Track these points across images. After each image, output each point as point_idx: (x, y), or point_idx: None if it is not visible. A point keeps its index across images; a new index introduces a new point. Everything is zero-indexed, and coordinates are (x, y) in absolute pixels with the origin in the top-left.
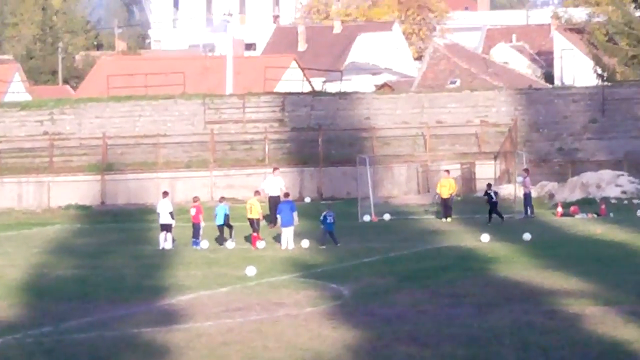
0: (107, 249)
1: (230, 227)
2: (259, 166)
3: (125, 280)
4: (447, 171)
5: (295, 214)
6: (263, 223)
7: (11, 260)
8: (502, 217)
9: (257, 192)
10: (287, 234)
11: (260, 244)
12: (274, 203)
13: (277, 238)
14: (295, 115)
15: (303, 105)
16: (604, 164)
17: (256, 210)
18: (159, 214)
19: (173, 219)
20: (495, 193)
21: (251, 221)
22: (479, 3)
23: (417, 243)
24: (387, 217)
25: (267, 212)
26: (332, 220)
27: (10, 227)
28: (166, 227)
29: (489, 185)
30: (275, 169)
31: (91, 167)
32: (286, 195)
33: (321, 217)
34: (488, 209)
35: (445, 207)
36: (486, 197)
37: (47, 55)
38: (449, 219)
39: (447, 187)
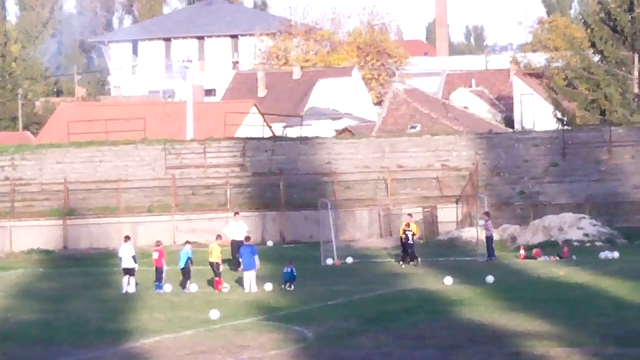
0: (71, 294)
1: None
2: (221, 211)
3: (89, 324)
4: (410, 215)
5: (256, 258)
6: (225, 267)
7: None
8: (416, 259)
9: (219, 237)
10: (249, 277)
11: (225, 288)
12: (236, 247)
13: (240, 281)
14: (256, 160)
15: (264, 150)
16: (566, 207)
17: (216, 254)
18: (121, 258)
19: (136, 263)
20: (413, 234)
21: (212, 265)
22: (437, 49)
23: (381, 286)
24: (350, 260)
25: (229, 256)
26: (289, 277)
27: None
28: (129, 272)
29: (408, 225)
30: (236, 213)
31: (53, 212)
32: (247, 239)
33: (283, 271)
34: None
35: (409, 251)
36: (404, 237)
37: (7, 102)
38: (412, 263)
39: (410, 232)
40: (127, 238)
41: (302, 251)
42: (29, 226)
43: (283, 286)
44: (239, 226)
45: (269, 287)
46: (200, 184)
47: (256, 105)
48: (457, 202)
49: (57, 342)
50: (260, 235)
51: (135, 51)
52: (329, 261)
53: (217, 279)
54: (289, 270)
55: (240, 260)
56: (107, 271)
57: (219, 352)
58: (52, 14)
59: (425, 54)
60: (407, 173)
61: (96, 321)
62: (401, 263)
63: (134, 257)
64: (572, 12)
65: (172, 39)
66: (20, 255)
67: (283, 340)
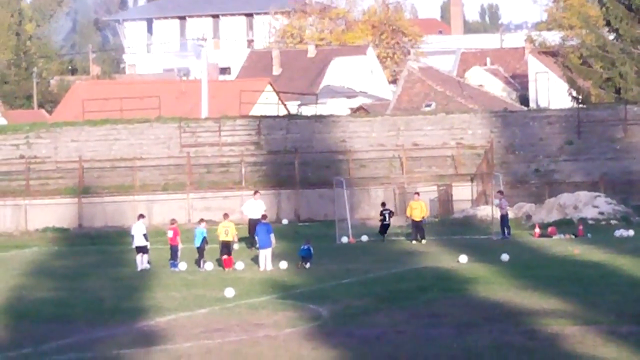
0: (85, 271)
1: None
2: (236, 189)
3: (104, 302)
4: (417, 193)
5: (272, 236)
6: (241, 245)
7: None
8: (383, 238)
9: (226, 215)
10: (265, 254)
11: (239, 265)
12: (254, 226)
13: (256, 259)
14: (271, 139)
15: (279, 128)
16: (581, 185)
17: (231, 233)
18: (133, 236)
19: (147, 240)
20: (390, 213)
21: (226, 244)
22: (452, 27)
23: (395, 264)
24: (364, 238)
25: (247, 234)
26: (305, 254)
27: None
28: (142, 249)
29: (383, 204)
30: (256, 192)
31: (68, 190)
32: (263, 217)
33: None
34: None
35: (419, 230)
36: (381, 217)
37: (21, 80)
38: (423, 241)
39: (418, 210)
40: (141, 216)
41: (316, 229)
42: (44, 204)
43: (299, 263)
44: (258, 205)
45: (283, 265)
46: (215, 162)
47: (271, 84)
48: (471, 180)
49: (71, 320)
50: (275, 213)
51: (149, 29)
52: (344, 239)
53: (230, 257)
54: (306, 247)
55: (256, 238)
56: (121, 249)
57: (234, 330)
58: None
59: (440, 32)
60: (422, 151)
61: (111, 299)
62: (421, 241)
63: (145, 235)
64: None
65: (187, 17)
66: (35, 233)
67: (297, 318)
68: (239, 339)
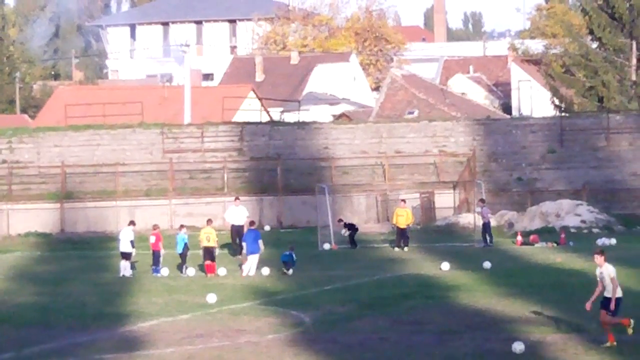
0: (68, 277)
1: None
2: (218, 195)
3: (86, 307)
4: (404, 200)
5: (260, 242)
6: (222, 251)
7: None
8: (354, 245)
9: (209, 221)
10: (252, 261)
11: (222, 271)
12: (236, 232)
13: (238, 266)
14: (253, 145)
15: (261, 134)
16: (563, 193)
17: (213, 238)
18: (119, 240)
19: (133, 247)
20: (347, 225)
21: (208, 249)
22: (435, 34)
23: (378, 271)
24: (347, 245)
25: (228, 240)
26: (287, 260)
27: None
28: (126, 255)
29: (340, 220)
30: (236, 198)
31: (50, 195)
32: (251, 223)
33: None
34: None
35: (403, 237)
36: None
37: (4, 85)
38: (405, 249)
39: (404, 217)
40: (131, 222)
41: (299, 236)
42: (26, 209)
43: (284, 270)
44: (239, 211)
45: (265, 271)
46: (198, 168)
47: (254, 90)
48: (454, 188)
49: (53, 325)
50: (258, 219)
51: (132, 35)
52: (326, 245)
53: (213, 262)
54: (288, 253)
55: (244, 244)
56: (104, 254)
57: (216, 336)
58: None
59: (423, 40)
60: (405, 158)
61: (93, 304)
62: (404, 248)
63: (131, 242)
64: None
65: (170, 23)
66: (17, 238)
67: (280, 324)
68: (221, 345)
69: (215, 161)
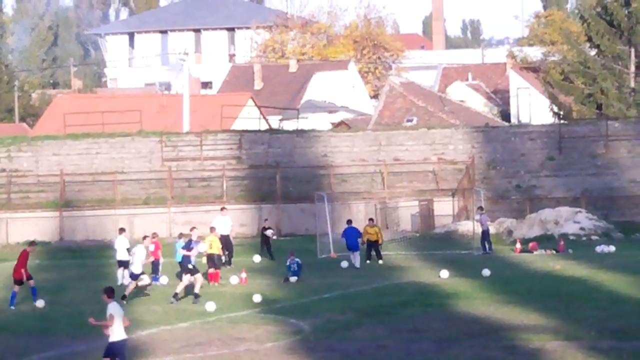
0: (67, 285)
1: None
2: (217, 203)
3: (85, 316)
4: (372, 219)
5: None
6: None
7: None
8: (271, 256)
9: (212, 229)
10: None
11: (234, 279)
12: (223, 242)
13: (231, 274)
14: (252, 153)
15: (260, 143)
16: (562, 200)
17: (216, 246)
18: (116, 250)
19: (130, 255)
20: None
21: (211, 257)
22: (434, 42)
23: (377, 279)
24: (344, 264)
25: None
26: (296, 268)
27: None
28: (123, 264)
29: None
30: (222, 208)
31: (49, 203)
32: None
33: (286, 263)
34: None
35: (375, 250)
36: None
37: (3, 93)
38: (380, 261)
39: (374, 235)
40: (122, 230)
41: (298, 244)
42: (25, 217)
43: (288, 277)
44: (225, 221)
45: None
46: (196, 176)
47: (252, 98)
48: (453, 195)
49: (52, 333)
50: (257, 227)
51: (131, 43)
52: (344, 264)
53: (216, 270)
54: (294, 262)
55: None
56: (103, 263)
57: (215, 344)
58: (49, 6)
59: (422, 47)
60: (403, 166)
61: (92, 313)
62: (367, 261)
63: (128, 249)
64: (569, 6)
65: (169, 31)
66: (16, 246)
67: (279, 333)
68: (220, 353)
69: (214, 169)
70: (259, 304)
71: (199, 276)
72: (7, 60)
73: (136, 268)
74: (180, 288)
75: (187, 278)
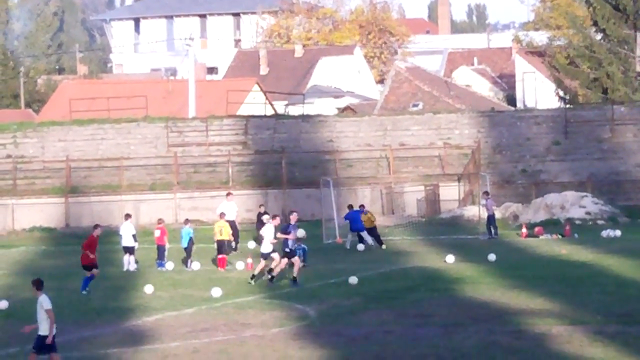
0: (72, 271)
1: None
2: (223, 188)
3: (91, 302)
4: (362, 206)
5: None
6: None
7: None
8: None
9: (222, 215)
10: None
11: (240, 265)
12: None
13: (236, 259)
14: (258, 138)
15: (266, 128)
16: (568, 185)
17: (226, 232)
18: (121, 236)
19: (136, 241)
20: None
21: (221, 243)
22: (440, 27)
23: (383, 264)
24: (351, 237)
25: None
26: (302, 254)
27: None
28: (129, 250)
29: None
30: (228, 193)
31: (55, 189)
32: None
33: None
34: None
35: (374, 236)
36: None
37: (8, 79)
38: (383, 246)
39: (367, 222)
40: (128, 216)
41: (303, 229)
42: (31, 204)
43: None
44: (231, 206)
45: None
46: (202, 161)
47: (258, 83)
48: (459, 180)
49: (59, 320)
50: None
51: (137, 29)
52: (360, 246)
53: (224, 256)
54: (300, 248)
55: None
56: (108, 249)
57: (221, 330)
58: None
59: (427, 32)
60: (409, 151)
61: (98, 299)
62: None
63: (133, 236)
64: None
65: (174, 17)
66: (22, 232)
67: (285, 318)
68: (226, 339)
69: (220, 155)
70: (262, 289)
71: (296, 259)
72: (12, 46)
73: (265, 247)
74: (276, 268)
75: (284, 261)
